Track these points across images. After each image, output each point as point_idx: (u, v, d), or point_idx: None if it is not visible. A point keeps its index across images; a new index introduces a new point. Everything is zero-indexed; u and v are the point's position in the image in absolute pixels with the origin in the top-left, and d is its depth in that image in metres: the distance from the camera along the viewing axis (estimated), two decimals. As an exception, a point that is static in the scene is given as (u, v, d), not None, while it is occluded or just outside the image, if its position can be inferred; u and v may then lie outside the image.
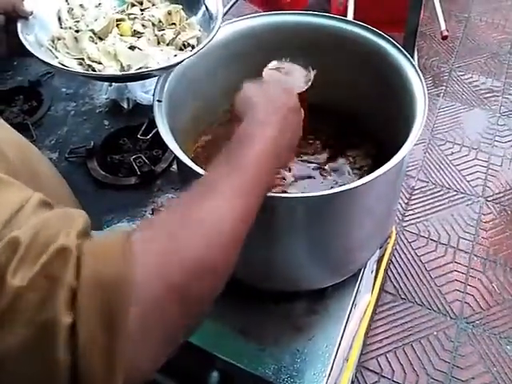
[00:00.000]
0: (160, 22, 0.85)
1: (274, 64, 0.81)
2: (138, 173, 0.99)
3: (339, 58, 0.90)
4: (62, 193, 0.65)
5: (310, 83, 0.79)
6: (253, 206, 0.47)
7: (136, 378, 0.37)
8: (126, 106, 1.13)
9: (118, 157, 1.05)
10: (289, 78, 0.80)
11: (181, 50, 0.83)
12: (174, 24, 0.86)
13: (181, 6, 0.88)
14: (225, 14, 0.84)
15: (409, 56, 0.80)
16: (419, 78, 0.75)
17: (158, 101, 0.75)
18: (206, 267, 0.40)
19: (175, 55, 0.82)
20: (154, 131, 1.04)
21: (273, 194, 0.64)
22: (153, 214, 0.94)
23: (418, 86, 0.75)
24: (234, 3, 1.05)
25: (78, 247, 0.35)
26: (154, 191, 0.98)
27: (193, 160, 0.66)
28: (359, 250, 0.77)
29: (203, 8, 0.86)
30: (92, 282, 0.34)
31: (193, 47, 0.82)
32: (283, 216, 0.67)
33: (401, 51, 0.80)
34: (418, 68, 0.77)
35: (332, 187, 0.85)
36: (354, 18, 1.95)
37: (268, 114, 0.54)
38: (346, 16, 1.98)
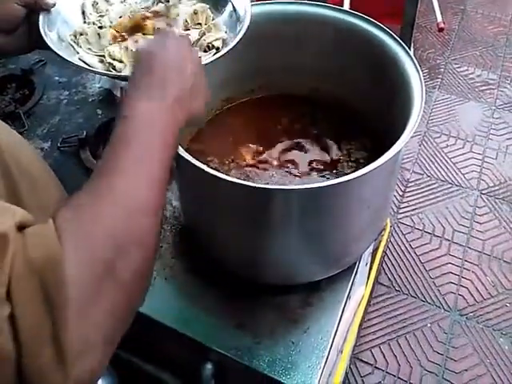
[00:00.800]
0: (186, 21, 0.82)
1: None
2: (132, 163, 0.98)
3: (334, 49, 0.89)
4: (47, 181, 0.63)
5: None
6: (158, 170, 0.45)
7: (87, 370, 0.35)
8: (119, 94, 1.12)
9: (111, 147, 1.04)
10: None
11: (205, 51, 0.80)
12: (200, 24, 0.83)
13: (208, 6, 0.84)
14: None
15: (406, 47, 0.79)
16: (416, 69, 0.75)
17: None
18: (133, 240, 0.40)
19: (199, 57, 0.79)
20: (147, 121, 1.03)
21: (268, 186, 0.64)
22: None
23: (415, 78, 0.74)
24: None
25: (16, 236, 0.35)
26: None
27: (187, 150, 0.65)
28: (354, 242, 0.77)
29: (230, 8, 0.82)
30: (25, 268, 0.33)
31: (217, 49, 0.78)
32: (278, 208, 0.66)
33: (398, 42, 0.80)
34: (415, 59, 0.77)
35: (327, 179, 0.85)
36: (351, 9, 1.93)
37: (164, 82, 0.52)
38: (342, 6, 1.97)
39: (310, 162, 0.87)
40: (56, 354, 0.33)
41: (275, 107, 0.95)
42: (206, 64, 0.72)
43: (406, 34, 1.35)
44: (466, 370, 1.43)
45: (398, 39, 0.80)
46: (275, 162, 0.87)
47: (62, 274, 0.34)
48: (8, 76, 1.20)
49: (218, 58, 0.73)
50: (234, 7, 0.82)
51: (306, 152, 0.89)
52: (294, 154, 0.88)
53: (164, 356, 0.86)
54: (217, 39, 0.80)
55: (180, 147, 0.65)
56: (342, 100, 0.93)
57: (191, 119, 0.54)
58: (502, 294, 1.58)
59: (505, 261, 1.66)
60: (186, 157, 0.63)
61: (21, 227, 0.36)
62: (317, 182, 0.84)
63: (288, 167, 0.86)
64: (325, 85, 0.95)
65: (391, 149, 0.65)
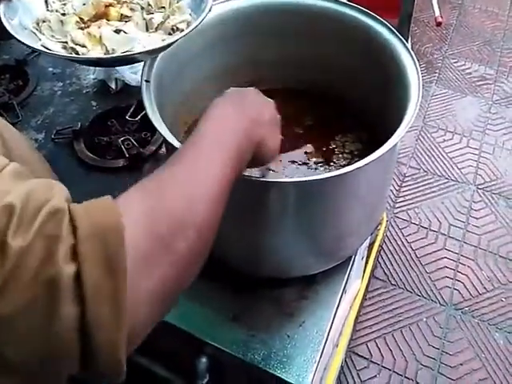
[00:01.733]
0: (149, 5, 0.82)
1: None
2: (127, 155, 0.97)
3: (331, 41, 0.88)
4: (43, 172, 0.63)
5: None
6: (230, 176, 0.48)
7: (133, 333, 0.38)
8: (114, 86, 1.10)
9: (105, 138, 1.02)
10: None
11: (170, 34, 0.80)
12: (164, 7, 0.83)
13: None
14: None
15: (403, 40, 0.78)
16: (414, 62, 0.74)
17: (146, 81, 0.73)
18: (191, 223, 0.42)
19: (163, 40, 0.79)
20: (142, 113, 1.02)
21: (264, 179, 0.63)
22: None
23: (413, 71, 0.73)
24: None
25: (69, 207, 0.37)
26: (143, 174, 0.96)
27: (182, 143, 0.65)
28: (350, 236, 0.76)
29: None
30: (89, 232, 0.35)
31: (182, 32, 0.79)
32: (274, 201, 0.66)
33: (396, 35, 0.79)
34: (412, 52, 0.76)
35: (321, 171, 0.84)
36: (349, 1, 1.92)
37: (243, 102, 0.57)
38: None
39: (305, 154, 0.87)
40: (114, 309, 0.35)
41: (271, 99, 0.94)
42: (171, 43, 0.72)
43: (404, 27, 1.34)
44: (461, 364, 1.43)
45: (396, 32, 0.79)
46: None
47: (123, 240, 0.36)
48: (1, 66, 1.18)
49: (181, 38, 0.73)
50: None
51: (301, 143, 0.88)
52: (290, 146, 0.87)
53: (159, 350, 0.85)
54: (181, 21, 0.80)
55: (173, 138, 0.64)
56: (340, 93, 0.92)
57: (262, 155, 0.57)
58: (498, 288, 1.59)
59: (500, 256, 1.67)
60: (179, 147, 0.62)
61: (67, 199, 0.38)
62: (311, 174, 0.85)
63: (283, 159, 0.85)
64: (322, 78, 0.94)
65: (387, 142, 0.64)
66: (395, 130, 0.66)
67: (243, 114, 0.54)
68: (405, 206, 1.81)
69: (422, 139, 2.04)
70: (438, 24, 2.02)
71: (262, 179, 0.62)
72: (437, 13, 2.04)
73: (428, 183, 1.89)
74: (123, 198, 0.41)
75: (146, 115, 0.69)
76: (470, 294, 1.58)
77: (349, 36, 0.85)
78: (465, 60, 2.39)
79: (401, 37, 0.79)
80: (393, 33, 0.79)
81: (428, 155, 1.98)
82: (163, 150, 0.99)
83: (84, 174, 0.96)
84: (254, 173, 0.71)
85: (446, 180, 1.90)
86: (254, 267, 0.77)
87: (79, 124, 1.01)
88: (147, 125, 0.96)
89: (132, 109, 1.05)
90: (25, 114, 1.07)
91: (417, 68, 0.73)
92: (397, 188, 1.87)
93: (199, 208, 0.44)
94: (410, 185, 1.88)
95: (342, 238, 0.75)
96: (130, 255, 0.37)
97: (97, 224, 0.36)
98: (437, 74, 2.32)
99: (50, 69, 1.18)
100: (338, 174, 0.61)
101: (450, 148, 2.01)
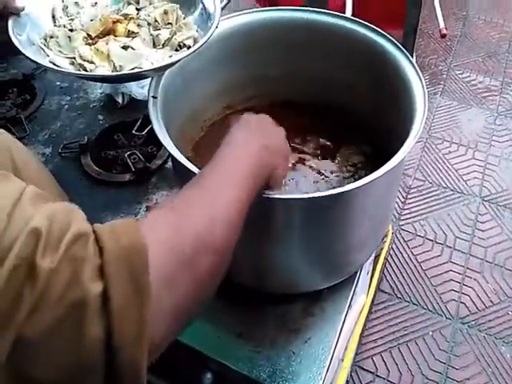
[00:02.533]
0: (156, 21, 0.83)
1: None
2: (133, 169, 0.98)
3: (336, 56, 0.89)
4: (50, 190, 0.64)
5: None
6: (246, 201, 0.51)
7: (151, 349, 0.39)
8: (120, 101, 1.12)
9: (112, 152, 1.03)
10: None
11: (177, 50, 0.81)
12: (171, 24, 0.84)
13: (177, 5, 0.85)
14: (222, 9, 0.82)
15: (408, 54, 0.78)
16: (418, 76, 0.74)
17: (153, 97, 0.74)
18: (212, 244, 0.44)
19: (170, 56, 0.80)
20: (149, 127, 1.03)
21: (270, 195, 0.63)
22: (147, 211, 0.92)
23: (418, 86, 0.74)
24: (228, 2, 1.03)
25: (93, 229, 0.38)
26: (149, 188, 0.96)
27: (188, 158, 0.65)
28: (356, 251, 0.76)
29: (200, 7, 0.84)
30: (115, 253, 0.37)
31: (189, 48, 0.79)
32: (280, 217, 0.66)
33: (400, 49, 0.79)
34: (417, 67, 0.76)
35: (323, 184, 0.84)
36: (353, 14, 1.93)
37: (254, 127, 0.60)
38: (344, 12, 1.97)
39: (309, 167, 0.87)
40: (138, 327, 0.36)
41: (276, 113, 0.94)
42: (178, 61, 0.73)
43: (409, 40, 1.34)
44: (467, 379, 1.41)
45: (400, 46, 0.80)
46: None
47: (147, 262, 0.38)
48: (9, 81, 1.20)
49: (189, 55, 0.74)
50: (203, 5, 0.83)
51: (304, 156, 0.88)
52: (293, 159, 0.88)
53: (164, 365, 0.85)
54: (188, 38, 0.81)
55: (179, 153, 0.65)
56: (343, 106, 0.92)
57: (273, 181, 0.59)
58: (504, 301, 1.57)
59: (507, 268, 1.65)
60: (187, 165, 0.63)
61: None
62: (315, 187, 0.85)
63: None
64: (326, 91, 0.95)
65: (395, 156, 0.65)
66: (400, 143, 0.66)
67: (259, 143, 0.57)
68: (410, 218, 1.81)
69: (427, 151, 2.04)
70: (443, 36, 2.02)
71: (267, 195, 0.62)
72: (441, 25, 2.04)
73: (434, 195, 1.88)
74: (150, 217, 0.43)
75: (152, 129, 0.69)
76: (477, 308, 1.56)
77: (353, 50, 0.85)
78: (470, 71, 2.39)
79: (406, 51, 0.79)
80: (398, 47, 0.80)
81: (433, 167, 1.98)
82: (169, 164, 1.00)
83: (90, 187, 0.97)
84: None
85: (452, 192, 1.89)
86: (259, 283, 0.77)
87: (86, 138, 1.02)
88: (153, 139, 0.97)
89: (138, 123, 1.06)
90: (32, 128, 1.08)
91: (422, 83, 0.73)
92: (402, 200, 1.86)
93: (219, 229, 0.46)
94: (415, 197, 1.88)
95: (349, 252, 0.75)
96: (154, 275, 0.38)
97: (122, 246, 0.37)
98: (442, 86, 2.32)
99: (58, 83, 1.19)
100: (346, 190, 0.61)
101: (455, 160, 2.00)
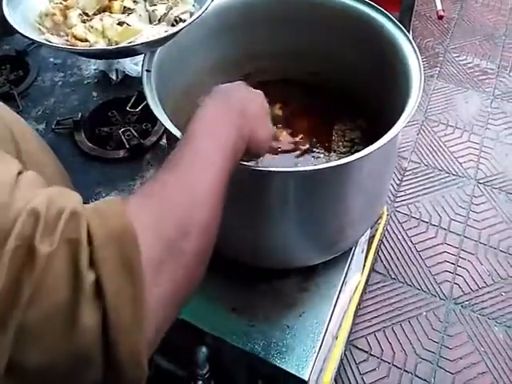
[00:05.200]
0: None
1: None
2: (127, 146, 0.97)
3: (332, 32, 0.88)
4: (50, 167, 0.63)
5: None
6: (226, 171, 0.50)
7: (151, 336, 0.38)
8: (114, 77, 1.10)
9: (106, 129, 1.02)
10: None
11: (173, 25, 0.80)
12: None
13: None
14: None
15: (406, 32, 0.78)
16: (415, 53, 0.74)
17: (147, 70, 0.73)
18: (196, 223, 0.43)
19: (166, 31, 0.78)
20: (143, 104, 1.02)
21: (264, 168, 0.63)
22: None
23: (414, 62, 0.73)
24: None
25: (85, 210, 0.37)
26: (143, 165, 0.96)
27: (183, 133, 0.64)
28: (351, 228, 0.76)
29: None
30: (105, 238, 0.36)
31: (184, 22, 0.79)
32: (274, 191, 0.65)
33: (398, 26, 0.78)
34: (413, 43, 0.75)
35: (322, 159, 0.84)
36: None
37: (231, 99, 0.57)
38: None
39: (306, 142, 0.87)
40: (135, 314, 0.36)
41: (272, 90, 0.93)
42: (174, 34, 0.72)
43: (405, 20, 1.33)
44: (460, 358, 1.43)
45: (399, 24, 0.79)
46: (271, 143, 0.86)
47: (138, 246, 0.37)
48: (2, 57, 1.18)
49: (183, 28, 0.72)
50: None
51: (301, 132, 0.88)
52: (291, 135, 0.87)
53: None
54: (184, 12, 0.80)
55: (174, 128, 0.64)
56: (341, 83, 0.92)
57: (255, 147, 0.57)
58: (498, 283, 1.59)
59: (501, 250, 1.67)
60: (181, 137, 0.62)
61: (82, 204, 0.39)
62: (312, 162, 0.85)
63: (283, 148, 0.85)
64: (323, 68, 0.94)
65: (389, 132, 0.64)
66: (396, 120, 0.66)
67: (231, 110, 0.55)
68: (405, 200, 1.81)
69: (423, 133, 2.04)
70: (440, 17, 2.01)
71: (263, 169, 0.62)
72: (439, 6, 2.03)
73: (429, 177, 1.89)
74: (130, 205, 0.41)
75: (146, 106, 0.69)
76: (470, 289, 1.58)
77: (351, 27, 0.85)
78: (466, 54, 2.39)
79: (403, 28, 0.78)
80: (395, 24, 0.79)
81: (429, 149, 1.98)
82: (164, 140, 0.99)
83: (85, 164, 0.96)
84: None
85: (447, 174, 1.89)
86: (254, 258, 0.77)
87: (80, 114, 1.01)
88: (148, 116, 0.96)
89: (133, 100, 1.05)
90: (25, 104, 1.07)
91: (418, 59, 0.73)
92: (397, 182, 1.87)
93: (202, 207, 0.45)
94: (410, 179, 1.88)
95: (343, 229, 0.75)
96: (144, 261, 0.37)
97: (111, 230, 0.37)
98: (438, 68, 2.31)
99: (51, 59, 1.17)
100: (340, 163, 0.61)
101: (451, 142, 2.01)
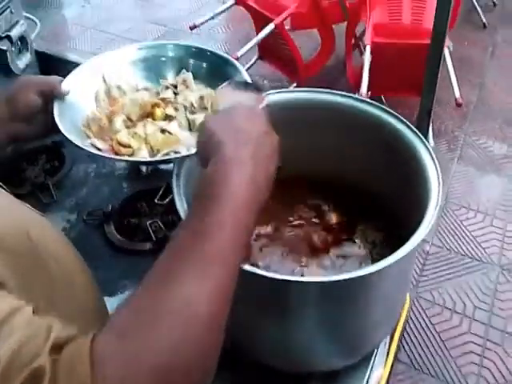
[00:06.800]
0: (192, 105, 0.87)
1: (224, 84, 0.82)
2: (154, 238, 1.00)
3: (352, 136, 0.91)
4: (68, 261, 0.62)
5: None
6: (232, 275, 0.44)
7: None
8: (144, 169, 1.15)
9: (134, 220, 1.06)
10: (244, 95, 0.78)
11: None
12: (206, 108, 0.87)
13: (213, 90, 0.88)
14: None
15: (422, 137, 0.81)
16: (433, 161, 0.76)
17: (177, 175, 0.76)
18: (179, 368, 0.37)
19: None
20: (170, 196, 1.05)
21: (286, 278, 0.64)
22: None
23: (432, 168, 0.75)
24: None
25: (52, 365, 0.35)
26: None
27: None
28: (373, 332, 0.76)
29: None
30: None
31: None
32: (296, 299, 0.66)
33: (415, 133, 0.81)
34: (431, 150, 0.78)
35: (341, 263, 0.85)
36: (370, 84, 1.98)
37: (237, 149, 0.49)
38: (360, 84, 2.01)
39: (325, 245, 0.88)
40: None
41: (288, 189, 0.95)
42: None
43: (423, 123, 1.36)
44: None
45: (416, 131, 0.82)
46: (290, 243, 0.88)
47: None
48: (39, 147, 1.25)
49: None
50: None
51: (321, 234, 0.90)
52: (309, 235, 0.89)
53: None
54: None
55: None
56: (356, 185, 0.94)
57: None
58: (527, 376, 1.53)
59: (528, 341, 1.62)
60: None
61: (56, 346, 0.36)
62: (331, 267, 0.85)
63: (302, 248, 0.87)
64: (341, 169, 0.97)
65: (409, 241, 0.65)
66: (414, 219, 0.68)
67: (253, 181, 0.48)
68: (428, 285, 1.79)
69: (444, 217, 2.04)
70: (459, 105, 2.07)
71: (285, 278, 0.63)
72: (457, 94, 2.09)
73: (452, 262, 1.87)
74: (101, 346, 0.37)
75: (173, 198, 0.72)
76: (496, 381, 1.52)
77: (368, 131, 0.88)
78: (486, 138, 2.42)
79: (421, 135, 0.81)
80: (413, 131, 0.82)
81: (451, 233, 1.97)
82: (189, 234, 1.02)
83: (112, 255, 0.99)
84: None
85: (470, 259, 1.87)
86: (274, 361, 0.76)
87: (110, 206, 1.05)
88: (175, 207, 1.00)
89: (161, 191, 1.09)
90: (59, 194, 1.12)
91: (436, 166, 0.75)
92: (420, 266, 1.85)
93: (194, 345, 0.39)
94: (433, 263, 1.87)
95: (365, 334, 0.75)
96: None
97: None
98: (458, 152, 2.34)
99: (85, 151, 1.24)
100: (362, 274, 0.62)
101: (473, 226, 2.00)
